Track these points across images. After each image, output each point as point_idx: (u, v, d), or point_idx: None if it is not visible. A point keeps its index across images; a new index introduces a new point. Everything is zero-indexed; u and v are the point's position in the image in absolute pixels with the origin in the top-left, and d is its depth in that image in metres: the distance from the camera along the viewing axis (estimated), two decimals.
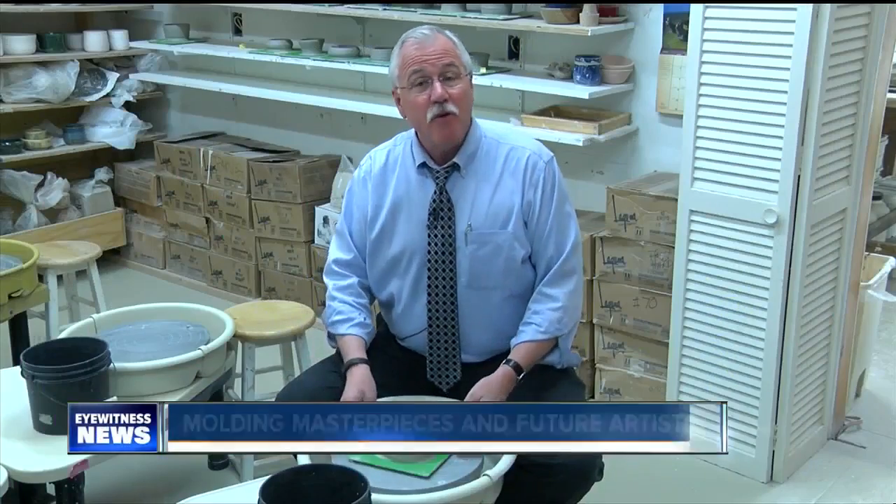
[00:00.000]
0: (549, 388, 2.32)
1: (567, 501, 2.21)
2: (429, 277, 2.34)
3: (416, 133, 2.35)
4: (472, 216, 2.31)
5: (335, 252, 2.48)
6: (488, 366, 2.28)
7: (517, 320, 2.34)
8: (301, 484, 1.82)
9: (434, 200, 2.32)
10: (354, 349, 2.33)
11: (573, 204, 2.43)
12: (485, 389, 2.19)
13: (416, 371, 2.40)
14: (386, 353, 2.45)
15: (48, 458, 2.27)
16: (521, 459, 2.13)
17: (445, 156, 2.32)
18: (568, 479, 2.14)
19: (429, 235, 2.32)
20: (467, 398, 2.19)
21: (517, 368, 2.24)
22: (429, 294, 2.34)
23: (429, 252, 2.33)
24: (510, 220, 2.30)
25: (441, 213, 2.31)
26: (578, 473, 2.15)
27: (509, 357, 2.26)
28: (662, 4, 3.42)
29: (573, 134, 3.44)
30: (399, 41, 2.29)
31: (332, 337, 2.43)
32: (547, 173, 2.33)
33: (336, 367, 2.38)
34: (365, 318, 2.40)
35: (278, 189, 4.31)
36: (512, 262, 2.32)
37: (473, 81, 2.34)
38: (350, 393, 2.23)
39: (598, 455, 2.20)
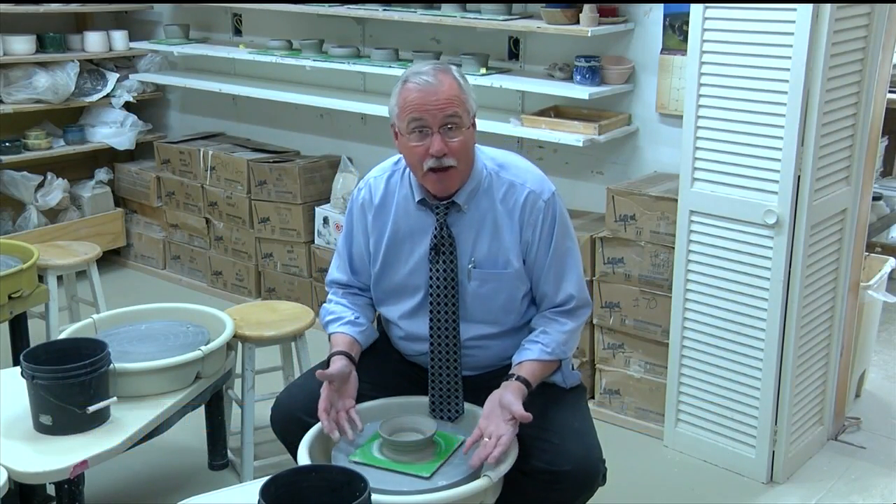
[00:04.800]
0: (548, 391, 2.31)
1: None
2: (431, 311, 2.31)
3: None
4: (475, 253, 2.28)
5: (334, 272, 2.48)
6: (485, 379, 2.27)
7: (513, 346, 2.31)
8: (301, 484, 1.83)
9: (435, 236, 2.28)
10: (338, 344, 2.32)
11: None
12: (510, 396, 2.12)
13: (418, 375, 2.40)
14: (388, 356, 2.45)
15: (48, 458, 2.27)
16: (525, 466, 2.13)
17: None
18: (572, 485, 2.14)
19: (430, 270, 2.29)
20: (490, 412, 2.13)
21: (527, 384, 2.19)
22: (431, 328, 2.32)
23: (431, 286, 2.30)
24: (510, 260, 2.27)
25: (443, 249, 2.27)
26: (583, 480, 2.14)
27: (516, 373, 2.21)
28: (662, 4, 3.42)
29: (573, 134, 3.43)
30: (401, 78, 2.19)
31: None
32: (546, 212, 2.26)
33: None
34: (357, 317, 2.38)
35: (278, 189, 4.31)
36: (512, 301, 2.31)
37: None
38: (323, 392, 2.21)
39: (602, 461, 2.20)
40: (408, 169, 2.30)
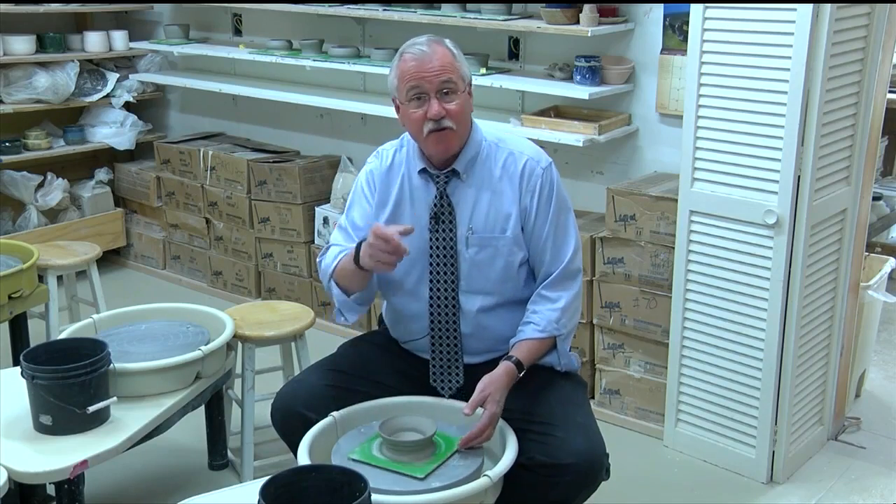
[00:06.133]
0: (550, 385, 2.32)
1: (573, 502, 2.21)
2: (430, 280, 2.35)
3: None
4: (473, 220, 2.32)
5: (337, 239, 2.46)
6: (489, 366, 2.28)
7: (514, 324, 2.34)
8: (301, 484, 1.82)
9: (435, 205, 2.33)
10: (356, 244, 2.27)
11: (573, 205, 2.43)
12: (493, 386, 2.18)
13: (418, 373, 2.41)
14: (388, 353, 2.46)
15: (48, 458, 2.27)
16: (527, 460, 2.14)
17: (445, 162, 2.33)
18: (575, 479, 2.14)
19: (431, 239, 2.34)
20: (478, 395, 2.17)
21: (518, 365, 2.24)
22: (430, 297, 2.35)
23: (431, 255, 2.34)
24: (508, 225, 2.31)
25: (442, 217, 2.33)
26: (586, 474, 2.15)
27: (510, 353, 2.27)
28: (662, 4, 3.42)
29: (573, 134, 3.44)
30: (399, 52, 2.30)
31: (341, 311, 2.39)
32: (544, 179, 2.32)
33: (336, 364, 2.39)
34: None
35: (278, 189, 4.31)
36: (510, 268, 2.34)
37: (473, 85, 2.35)
38: (375, 225, 2.18)
39: (606, 455, 2.20)
40: (412, 142, 2.37)
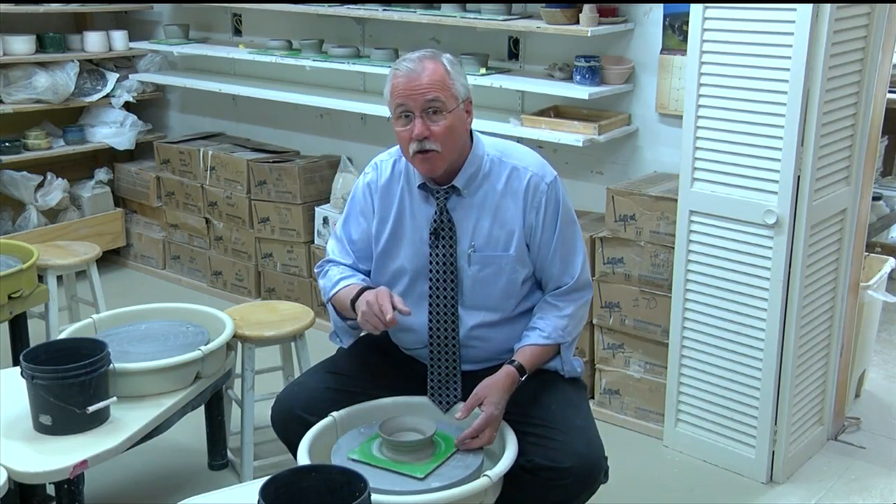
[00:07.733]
0: (550, 387, 2.32)
1: None
2: (430, 296, 2.33)
3: None
4: (475, 237, 2.30)
5: (336, 256, 2.46)
6: (487, 374, 2.27)
7: (515, 336, 2.33)
8: (301, 484, 1.83)
9: (435, 221, 2.30)
10: (358, 285, 2.30)
11: (574, 208, 2.42)
12: (489, 389, 2.18)
13: (419, 375, 2.40)
14: (388, 356, 2.45)
15: (48, 458, 2.27)
16: (527, 462, 2.14)
17: (445, 178, 2.29)
18: (575, 482, 2.14)
19: (430, 254, 2.31)
20: (471, 398, 2.19)
21: (520, 369, 2.24)
22: (430, 312, 2.33)
23: (431, 271, 2.32)
24: (512, 242, 2.29)
25: (442, 234, 2.30)
26: (585, 476, 2.15)
27: (513, 358, 2.26)
28: (662, 4, 3.42)
29: (573, 134, 3.43)
30: (392, 67, 2.26)
31: (339, 318, 2.38)
32: (549, 195, 2.29)
33: (336, 367, 2.39)
34: (367, 283, 2.36)
35: (278, 189, 4.31)
36: (512, 285, 2.32)
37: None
38: (381, 289, 2.20)
39: (605, 458, 2.20)
40: None
